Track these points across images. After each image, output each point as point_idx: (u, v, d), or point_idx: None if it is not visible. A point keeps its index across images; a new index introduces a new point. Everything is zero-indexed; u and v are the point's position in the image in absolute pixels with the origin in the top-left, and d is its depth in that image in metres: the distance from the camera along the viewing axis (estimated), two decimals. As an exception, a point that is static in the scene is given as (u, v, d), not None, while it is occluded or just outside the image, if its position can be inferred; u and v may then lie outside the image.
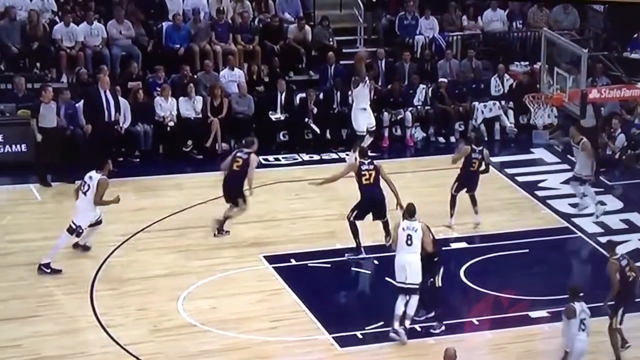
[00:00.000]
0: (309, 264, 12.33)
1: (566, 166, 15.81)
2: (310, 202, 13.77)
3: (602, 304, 10.21)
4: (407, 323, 10.60)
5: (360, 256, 12.35)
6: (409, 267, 10.51)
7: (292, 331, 10.83)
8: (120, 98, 15.19)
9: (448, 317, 10.91)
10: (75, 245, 12.28)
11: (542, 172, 15.51)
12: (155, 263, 12.24)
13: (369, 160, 12.36)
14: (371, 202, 12.24)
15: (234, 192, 12.79)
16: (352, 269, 12.26)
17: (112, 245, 12.51)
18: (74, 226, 11.88)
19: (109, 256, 12.30)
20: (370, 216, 12.34)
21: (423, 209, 12.53)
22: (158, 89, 15.94)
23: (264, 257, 12.43)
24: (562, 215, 13.94)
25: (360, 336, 10.74)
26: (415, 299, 10.55)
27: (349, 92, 16.44)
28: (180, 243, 12.76)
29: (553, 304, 10.94)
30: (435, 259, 10.79)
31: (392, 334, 10.58)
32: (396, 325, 10.56)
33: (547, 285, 11.77)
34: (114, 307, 11.19)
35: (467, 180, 13.25)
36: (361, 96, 15.05)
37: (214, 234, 12.86)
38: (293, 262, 12.36)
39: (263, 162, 15.73)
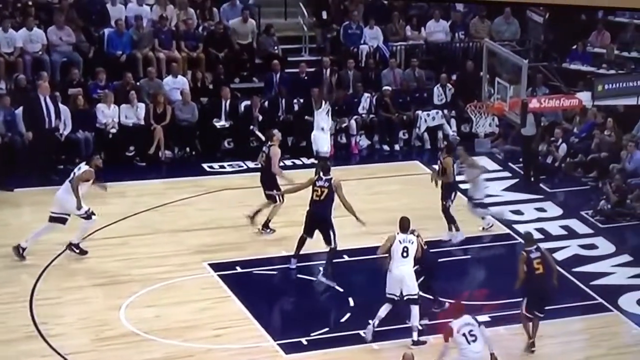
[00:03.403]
0: (254, 272, 12.29)
1: (507, 173, 16.10)
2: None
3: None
4: (415, 335, 10.71)
5: (290, 265, 12.27)
6: (404, 280, 10.66)
7: (236, 339, 10.77)
8: (60, 105, 14.98)
9: (392, 322, 10.94)
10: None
11: (483, 180, 15.68)
12: (97, 271, 12.06)
13: (327, 177, 12.16)
14: (313, 219, 12.14)
15: (266, 186, 13.02)
16: (298, 275, 12.23)
17: (53, 253, 12.28)
18: (84, 213, 11.90)
19: (49, 265, 12.08)
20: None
21: (367, 216, 12.67)
22: (99, 91, 15.72)
23: (209, 264, 12.35)
24: (503, 222, 14.13)
25: (305, 342, 10.73)
26: (416, 309, 10.71)
27: (294, 101, 16.48)
28: (122, 251, 12.60)
29: (495, 308, 11.07)
30: (419, 269, 10.96)
31: (363, 332, 10.70)
32: (375, 323, 10.70)
33: (489, 290, 11.89)
34: (54, 317, 10.99)
35: (455, 189, 13.35)
36: (320, 117, 14.97)
37: (259, 230, 13.00)
38: (238, 269, 12.29)
39: (208, 169, 15.73)
